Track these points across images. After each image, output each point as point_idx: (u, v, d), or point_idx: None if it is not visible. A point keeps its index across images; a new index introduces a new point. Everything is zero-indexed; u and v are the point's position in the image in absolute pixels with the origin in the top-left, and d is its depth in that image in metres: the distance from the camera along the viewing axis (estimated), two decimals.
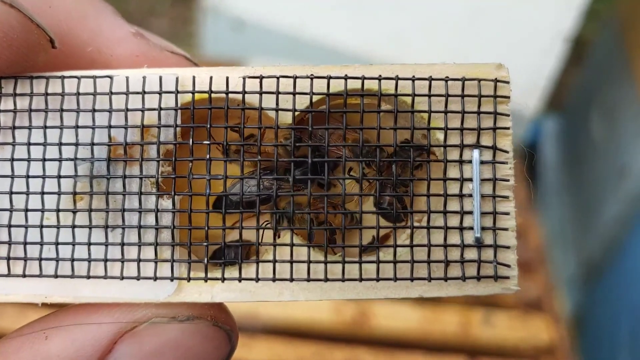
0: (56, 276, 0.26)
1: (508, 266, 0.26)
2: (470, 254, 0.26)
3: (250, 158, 0.26)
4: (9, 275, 0.27)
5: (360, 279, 0.26)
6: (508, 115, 0.26)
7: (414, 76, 0.26)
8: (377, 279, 0.26)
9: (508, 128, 0.26)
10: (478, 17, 1.29)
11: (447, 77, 0.26)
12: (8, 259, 0.27)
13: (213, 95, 0.27)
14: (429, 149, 0.27)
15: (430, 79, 0.26)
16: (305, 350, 0.93)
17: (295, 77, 0.26)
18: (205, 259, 0.26)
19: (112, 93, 0.27)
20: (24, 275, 0.26)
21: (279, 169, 0.27)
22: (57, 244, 0.26)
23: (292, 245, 0.26)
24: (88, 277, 0.26)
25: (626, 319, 1.18)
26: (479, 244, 0.26)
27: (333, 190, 0.28)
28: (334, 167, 0.27)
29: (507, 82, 0.26)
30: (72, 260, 0.26)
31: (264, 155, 0.26)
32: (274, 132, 0.26)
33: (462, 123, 0.26)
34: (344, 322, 0.96)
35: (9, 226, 0.27)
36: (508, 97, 0.26)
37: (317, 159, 0.26)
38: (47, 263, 0.26)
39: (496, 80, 0.27)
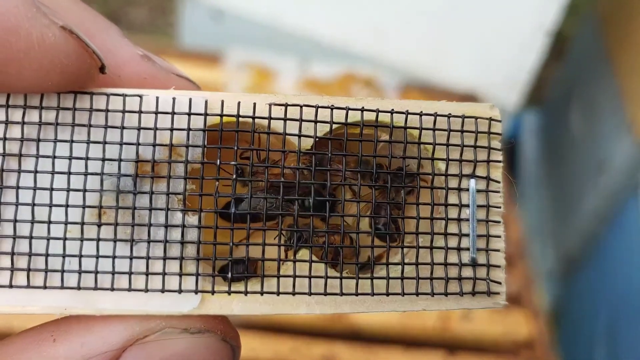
0: (79, 288, 0.26)
1: (499, 283, 0.29)
2: (466, 272, 0.28)
3: (274, 179, 0.28)
4: (28, 286, 0.26)
5: (373, 294, 0.28)
6: (500, 149, 0.29)
7: (421, 112, 0.29)
8: (387, 294, 0.28)
9: (500, 161, 0.29)
10: (458, 9, 1.28)
11: (450, 113, 0.29)
12: (28, 270, 0.26)
13: (233, 119, 0.28)
14: (433, 177, 0.29)
15: (435, 115, 0.29)
16: (283, 346, 0.91)
17: (317, 107, 0.28)
18: (230, 274, 0.27)
19: (141, 112, 0.27)
20: (44, 287, 0.26)
21: (289, 192, 0.28)
22: (80, 256, 0.26)
23: (310, 261, 0.28)
24: (112, 289, 0.26)
25: (603, 313, 1.19)
26: (474, 263, 0.28)
27: (337, 209, 0.30)
28: (334, 188, 0.29)
29: (499, 121, 0.29)
30: (96, 272, 0.26)
31: (283, 177, 0.28)
32: (290, 157, 0.28)
33: (461, 155, 0.29)
34: (322, 317, 0.94)
35: (30, 238, 0.26)
36: (500, 134, 0.29)
37: (335, 183, 0.28)
38: (69, 275, 0.26)
39: (490, 119, 0.29)
